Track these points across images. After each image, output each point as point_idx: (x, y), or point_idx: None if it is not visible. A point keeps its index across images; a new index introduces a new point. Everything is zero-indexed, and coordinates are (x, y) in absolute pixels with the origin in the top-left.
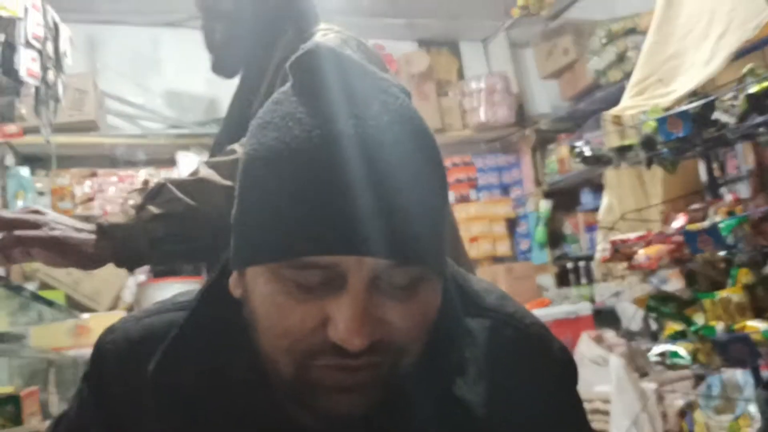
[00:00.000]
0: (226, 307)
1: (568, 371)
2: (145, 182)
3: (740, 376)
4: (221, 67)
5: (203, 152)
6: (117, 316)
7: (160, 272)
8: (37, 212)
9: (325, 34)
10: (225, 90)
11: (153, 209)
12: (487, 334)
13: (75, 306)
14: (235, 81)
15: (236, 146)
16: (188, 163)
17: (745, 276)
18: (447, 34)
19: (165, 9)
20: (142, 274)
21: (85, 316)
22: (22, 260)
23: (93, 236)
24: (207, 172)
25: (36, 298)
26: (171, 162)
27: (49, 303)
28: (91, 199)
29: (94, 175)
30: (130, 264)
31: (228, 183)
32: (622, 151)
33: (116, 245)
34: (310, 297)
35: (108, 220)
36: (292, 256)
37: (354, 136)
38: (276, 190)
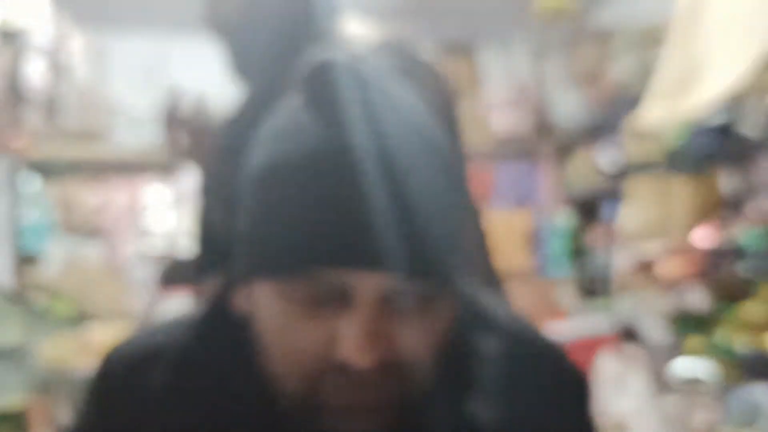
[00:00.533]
0: (231, 323)
1: (581, 389)
2: None
3: (761, 393)
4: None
5: None
6: (125, 328)
7: (169, 284)
8: None
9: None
10: (231, 100)
11: None
12: (498, 351)
13: (83, 317)
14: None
15: None
16: (195, 173)
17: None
18: (466, 39)
19: (177, 17)
20: (150, 286)
21: (93, 327)
22: None
23: None
24: None
25: (44, 311)
26: (182, 172)
27: (56, 318)
28: (100, 210)
29: (103, 185)
30: None
31: None
32: (644, 161)
33: None
34: (318, 313)
35: None
36: (299, 270)
37: (366, 149)
38: (285, 202)
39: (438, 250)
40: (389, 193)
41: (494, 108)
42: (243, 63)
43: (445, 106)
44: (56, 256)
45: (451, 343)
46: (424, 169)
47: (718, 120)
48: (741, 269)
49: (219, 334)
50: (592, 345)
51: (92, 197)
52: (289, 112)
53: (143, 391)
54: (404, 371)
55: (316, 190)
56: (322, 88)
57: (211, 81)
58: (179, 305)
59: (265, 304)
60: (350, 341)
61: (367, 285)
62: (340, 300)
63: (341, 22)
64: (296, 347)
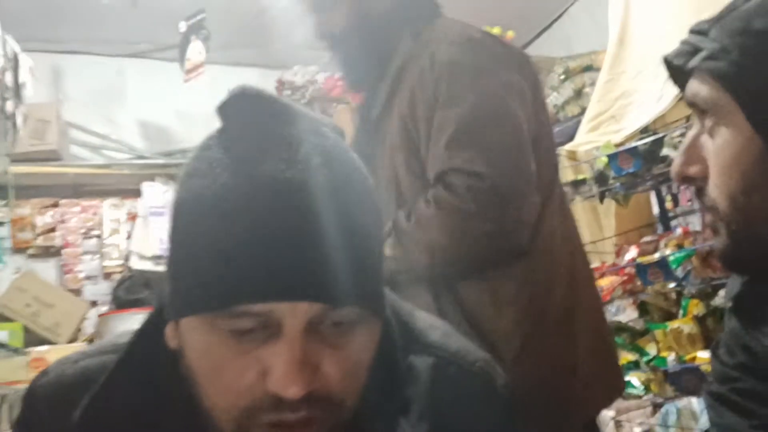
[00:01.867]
0: (161, 355)
1: (513, 408)
2: None
3: (696, 404)
4: (351, 85)
5: (169, 182)
6: (76, 348)
7: (122, 303)
8: None
9: (444, 36)
10: (189, 121)
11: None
12: (430, 371)
13: (34, 338)
14: (197, 111)
15: (430, 197)
16: (153, 194)
17: (695, 307)
18: None
19: (130, 40)
20: (103, 306)
21: (43, 348)
22: None
23: None
24: (414, 224)
25: None
26: (136, 192)
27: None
28: (52, 230)
29: (56, 205)
30: None
31: (427, 238)
32: (577, 185)
33: None
34: (247, 347)
35: None
36: (223, 306)
37: (283, 180)
38: (205, 238)
39: (362, 276)
40: (307, 221)
41: None
42: (353, 65)
43: None
44: (6, 276)
45: (381, 363)
46: (342, 196)
47: (645, 145)
48: (669, 287)
49: (147, 364)
50: None
51: (45, 217)
52: (207, 143)
53: (69, 417)
54: (333, 404)
55: (234, 224)
56: (234, 120)
57: (163, 102)
58: (133, 325)
59: (192, 340)
60: (279, 371)
61: (293, 316)
62: (267, 332)
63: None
64: (225, 382)
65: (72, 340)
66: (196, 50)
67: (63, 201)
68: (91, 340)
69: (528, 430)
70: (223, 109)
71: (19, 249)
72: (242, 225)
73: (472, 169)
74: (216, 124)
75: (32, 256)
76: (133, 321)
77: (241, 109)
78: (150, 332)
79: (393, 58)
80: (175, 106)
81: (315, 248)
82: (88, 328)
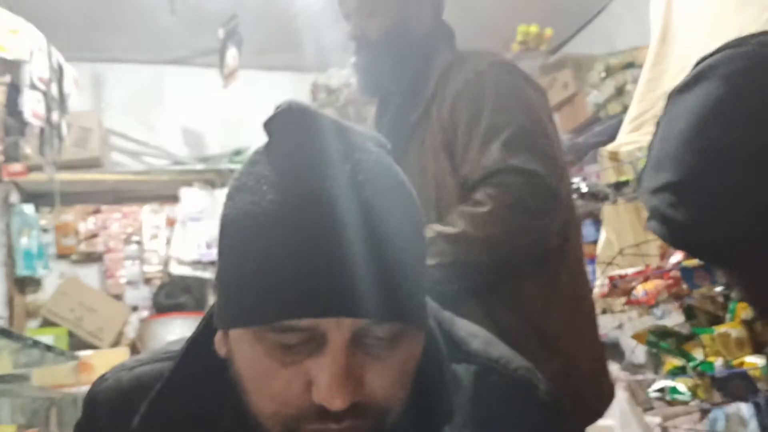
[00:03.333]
0: (212, 362)
1: (556, 414)
2: None
3: (745, 409)
4: (368, 89)
5: (206, 188)
6: (119, 352)
7: (162, 308)
8: None
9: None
10: (226, 126)
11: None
12: (472, 380)
13: (78, 342)
14: (233, 116)
15: (481, 195)
16: (191, 199)
17: (743, 311)
18: None
19: (169, 47)
20: (144, 310)
21: (88, 353)
22: None
23: None
24: (466, 226)
25: (35, 344)
26: (174, 198)
27: (48, 347)
28: (95, 236)
29: (98, 211)
30: None
31: (484, 235)
32: (619, 186)
33: None
34: (293, 359)
35: None
36: (270, 321)
37: (328, 197)
38: (252, 254)
39: (405, 292)
40: (353, 238)
41: None
42: (381, 70)
43: None
44: (51, 281)
45: (424, 371)
46: (387, 211)
47: None
48: (716, 290)
49: (199, 372)
50: None
51: (87, 224)
52: (255, 159)
53: (129, 422)
54: (377, 413)
55: (281, 241)
56: (281, 136)
57: (201, 108)
58: (173, 330)
59: (240, 350)
60: (324, 384)
61: (338, 330)
62: (312, 344)
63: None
64: (272, 391)
65: (114, 344)
66: (232, 55)
67: (104, 207)
68: (133, 345)
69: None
70: (270, 125)
71: (62, 255)
72: (288, 242)
73: (531, 167)
74: (252, 128)
75: (75, 261)
76: (173, 325)
77: (287, 125)
78: (202, 340)
79: (432, 68)
80: (212, 111)
81: (359, 265)
82: (130, 332)
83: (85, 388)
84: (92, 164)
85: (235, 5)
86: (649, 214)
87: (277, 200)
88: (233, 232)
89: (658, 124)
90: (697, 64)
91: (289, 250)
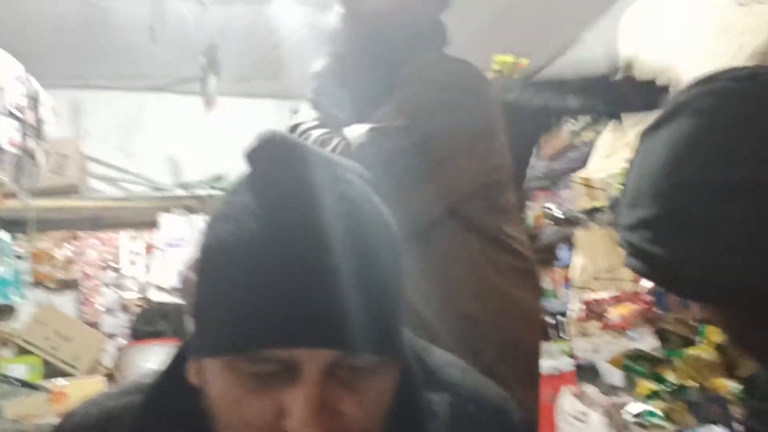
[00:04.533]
0: (185, 393)
1: None
2: None
3: None
4: (340, 66)
5: (186, 214)
6: (95, 381)
7: (141, 335)
8: None
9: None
10: (206, 153)
11: None
12: (448, 409)
13: (53, 371)
14: (214, 143)
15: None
16: (170, 226)
17: (715, 334)
18: None
19: (149, 74)
20: (121, 338)
21: (63, 382)
22: None
23: None
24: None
25: (5, 378)
26: (153, 224)
27: (21, 382)
28: (71, 263)
29: (75, 238)
30: None
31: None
32: (592, 212)
33: None
34: (266, 389)
35: None
36: (244, 351)
37: (308, 228)
38: (229, 283)
39: (382, 323)
40: (331, 270)
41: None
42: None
43: None
44: (26, 309)
45: (400, 401)
46: (367, 243)
47: None
48: (688, 314)
49: (172, 404)
50: (552, 382)
51: (64, 250)
52: (235, 188)
53: None
54: None
55: (260, 271)
56: (263, 166)
57: (180, 135)
58: (151, 357)
59: (214, 379)
60: (297, 415)
61: (313, 361)
62: (287, 375)
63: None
64: (245, 421)
65: (90, 373)
66: (213, 83)
67: (81, 234)
68: (109, 373)
69: None
70: (252, 155)
71: (38, 282)
72: (266, 273)
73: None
74: (233, 155)
75: (51, 289)
76: (151, 353)
77: (269, 155)
78: (174, 371)
79: (405, 66)
80: (192, 138)
81: (336, 297)
82: (107, 360)
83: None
84: (69, 191)
85: (217, 34)
86: (628, 251)
87: (257, 230)
88: (212, 260)
89: (631, 161)
90: (669, 100)
91: (267, 280)
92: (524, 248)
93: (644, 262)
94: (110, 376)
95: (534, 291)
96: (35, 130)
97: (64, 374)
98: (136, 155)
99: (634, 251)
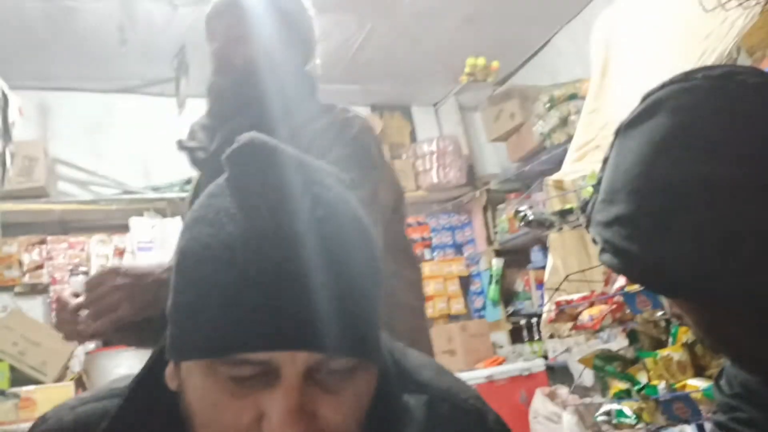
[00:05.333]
0: (162, 397)
1: None
2: None
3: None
4: (215, 112)
5: (156, 217)
6: (64, 387)
7: (109, 341)
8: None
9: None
10: (177, 154)
11: None
12: (424, 410)
13: (20, 377)
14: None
15: None
16: (141, 229)
17: (684, 334)
18: (399, 99)
19: (118, 75)
20: (91, 343)
21: (30, 388)
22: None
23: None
24: None
25: None
26: (124, 228)
27: None
28: (40, 267)
29: (43, 242)
30: None
31: None
32: (564, 214)
33: None
34: (245, 392)
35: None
36: (224, 354)
37: (286, 231)
38: (208, 286)
39: (360, 326)
40: (309, 273)
41: (428, 162)
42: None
43: (371, 157)
44: None
45: (377, 402)
46: (343, 247)
47: None
48: (658, 315)
49: (148, 407)
50: (525, 383)
51: (32, 255)
52: (212, 191)
53: None
54: None
55: (237, 274)
56: (241, 169)
57: (150, 137)
58: (122, 362)
59: (192, 382)
60: (276, 418)
61: (292, 364)
62: (266, 378)
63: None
64: (223, 424)
65: (59, 379)
66: (185, 84)
67: (50, 238)
68: (78, 379)
69: None
70: (230, 158)
71: (5, 287)
72: (244, 276)
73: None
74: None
75: (19, 294)
76: (120, 358)
77: (248, 159)
78: (151, 374)
79: (291, 107)
80: (162, 140)
81: (314, 300)
82: (75, 366)
83: (26, 426)
84: (37, 194)
85: (186, 35)
86: (602, 247)
87: (235, 233)
88: (190, 263)
89: (606, 158)
90: (644, 98)
91: (246, 283)
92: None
93: (619, 258)
94: (79, 382)
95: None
96: (2, 131)
97: (31, 381)
98: (105, 157)
99: (609, 247)
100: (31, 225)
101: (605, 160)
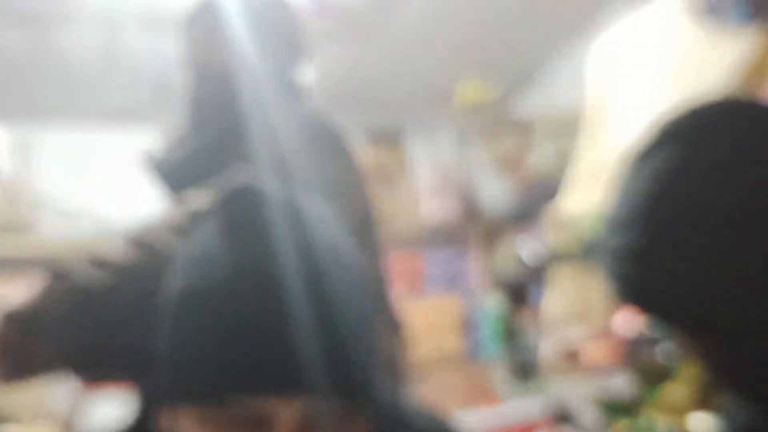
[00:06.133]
0: None
1: None
2: None
3: None
4: (195, 121)
5: None
6: (47, 430)
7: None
8: None
9: None
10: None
11: None
12: None
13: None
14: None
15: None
16: None
17: (689, 371)
18: (392, 128)
19: (102, 106)
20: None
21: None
22: None
23: None
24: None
25: None
26: None
27: None
28: None
29: (26, 278)
30: None
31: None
32: (563, 249)
33: None
34: None
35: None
36: (217, 399)
37: (277, 275)
38: (199, 332)
39: (355, 369)
40: (303, 317)
41: (422, 195)
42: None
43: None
44: None
45: None
46: (337, 288)
47: None
48: (660, 353)
49: None
50: (526, 429)
51: (16, 292)
52: (206, 237)
53: None
54: None
55: (231, 319)
56: (234, 214)
57: (139, 172)
58: (106, 404)
59: (187, 428)
60: None
61: (286, 410)
62: (260, 423)
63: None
64: None
65: (40, 421)
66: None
67: (35, 275)
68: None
69: None
70: (223, 203)
71: None
72: (237, 320)
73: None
74: None
75: None
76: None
77: (236, 201)
78: (142, 419)
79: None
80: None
81: (309, 343)
82: (57, 406)
83: None
84: (21, 228)
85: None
86: (611, 276)
87: (224, 277)
88: (181, 306)
89: (617, 187)
90: (655, 126)
91: (238, 327)
92: None
93: (628, 287)
94: (63, 424)
95: None
96: None
97: (8, 421)
98: (89, 189)
99: (618, 277)
100: (15, 261)
101: (614, 189)
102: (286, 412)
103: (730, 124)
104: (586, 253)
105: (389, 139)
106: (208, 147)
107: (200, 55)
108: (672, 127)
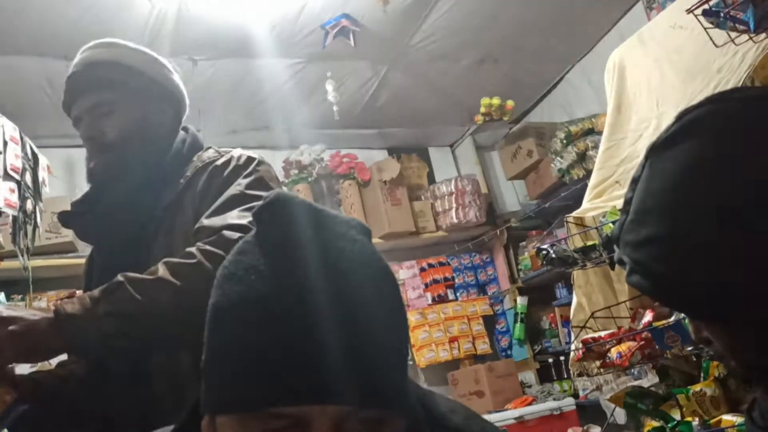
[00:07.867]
0: None
1: None
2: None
3: None
4: (105, 191)
5: None
6: None
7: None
8: None
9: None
10: None
11: (107, 306)
12: None
13: None
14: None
15: (194, 250)
16: None
17: (716, 369)
18: (416, 141)
19: None
20: None
21: None
22: None
23: (49, 326)
24: (165, 273)
25: None
26: None
27: None
28: None
29: (72, 296)
30: (82, 355)
31: (183, 285)
32: (586, 251)
33: (69, 336)
34: None
35: (65, 310)
36: (255, 408)
37: (314, 287)
38: (240, 342)
39: (387, 378)
40: (337, 327)
41: (447, 203)
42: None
43: None
44: (24, 370)
45: None
46: (369, 299)
47: None
48: (688, 350)
49: None
50: (557, 422)
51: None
52: (242, 251)
53: None
54: None
55: (268, 330)
56: (270, 226)
57: None
58: None
59: None
60: None
61: (322, 417)
62: (297, 430)
63: None
64: None
65: None
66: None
67: (79, 292)
68: None
69: None
70: (258, 215)
71: None
72: (275, 333)
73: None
74: None
75: None
76: None
77: (274, 215)
78: (186, 428)
79: (180, 163)
80: None
81: (342, 353)
82: None
83: None
84: (66, 249)
85: (206, 87)
86: (630, 268)
87: (264, 291)
88: (220, 320)
89: (636, 179)
90: (678, 117)
91: (275, 339)
92: None
93: (649, 279)
94: None
95: None
96: (33, 190)
97: None
98: None
99: (639, 268)
100: (60, 280)
101: (635, 180)
102: (320, 420)
103: (757, 114)
104: (607, 248)
105: (413, 150)
106: None
107: (86, 130)
108: (695, 117)
